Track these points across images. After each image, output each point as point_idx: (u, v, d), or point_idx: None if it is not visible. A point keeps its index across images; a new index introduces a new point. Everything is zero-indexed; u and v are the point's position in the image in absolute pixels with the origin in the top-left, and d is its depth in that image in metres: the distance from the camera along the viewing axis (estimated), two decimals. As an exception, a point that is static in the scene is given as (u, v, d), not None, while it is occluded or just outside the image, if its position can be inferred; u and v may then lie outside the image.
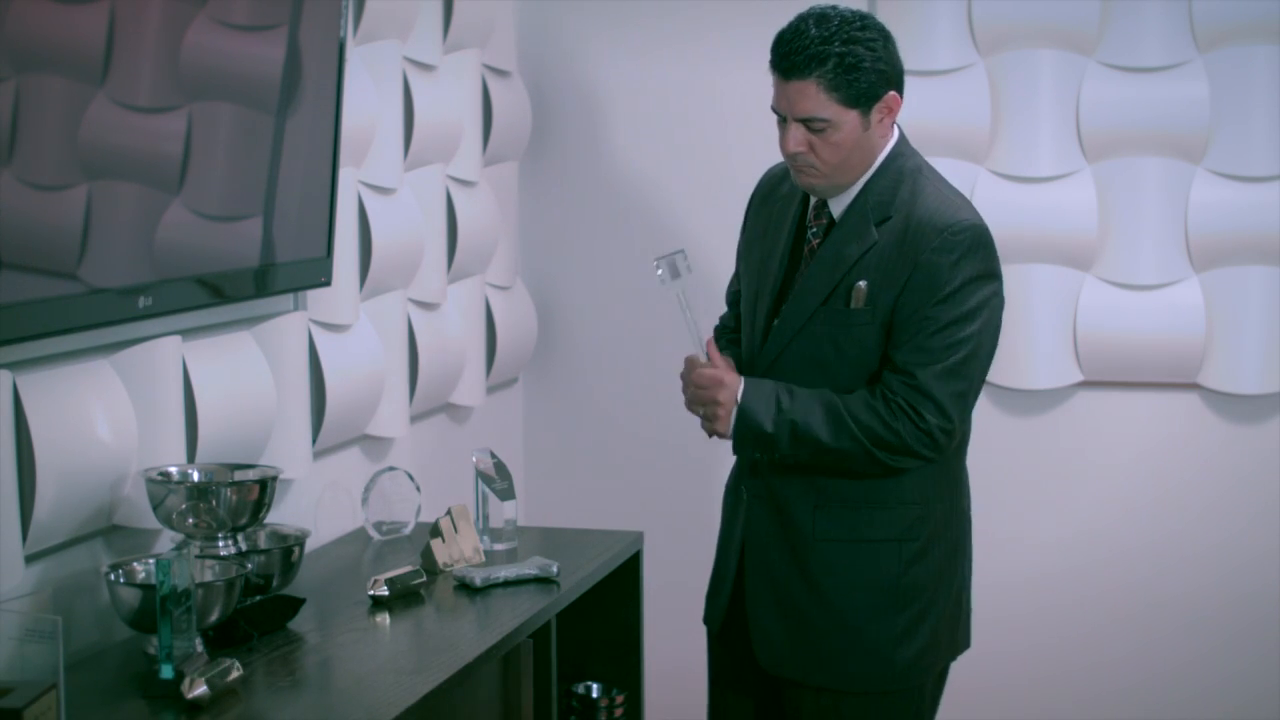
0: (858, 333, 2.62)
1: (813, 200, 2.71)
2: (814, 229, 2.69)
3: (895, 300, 2.59)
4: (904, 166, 2.65)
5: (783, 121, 2.59)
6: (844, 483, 2.66)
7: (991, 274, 2.64)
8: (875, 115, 2.58)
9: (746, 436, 2.65)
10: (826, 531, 2.67)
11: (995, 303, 2.65)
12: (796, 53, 2.52)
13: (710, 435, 2.72)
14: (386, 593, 2.75)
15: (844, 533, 2.67)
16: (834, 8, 2.58)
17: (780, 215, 2.76)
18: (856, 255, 2.61)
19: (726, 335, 2.93)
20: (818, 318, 2.63)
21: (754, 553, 2.74)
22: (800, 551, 2.69)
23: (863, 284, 2.60)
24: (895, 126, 2.68)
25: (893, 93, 2.58)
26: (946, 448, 2.63)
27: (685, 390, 2.72)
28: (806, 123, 2.55)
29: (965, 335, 2.60)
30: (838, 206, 2.66)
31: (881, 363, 2.63)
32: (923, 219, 2.60)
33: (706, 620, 2.90)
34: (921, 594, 2.71)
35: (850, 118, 2.55)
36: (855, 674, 2.70)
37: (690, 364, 2.71)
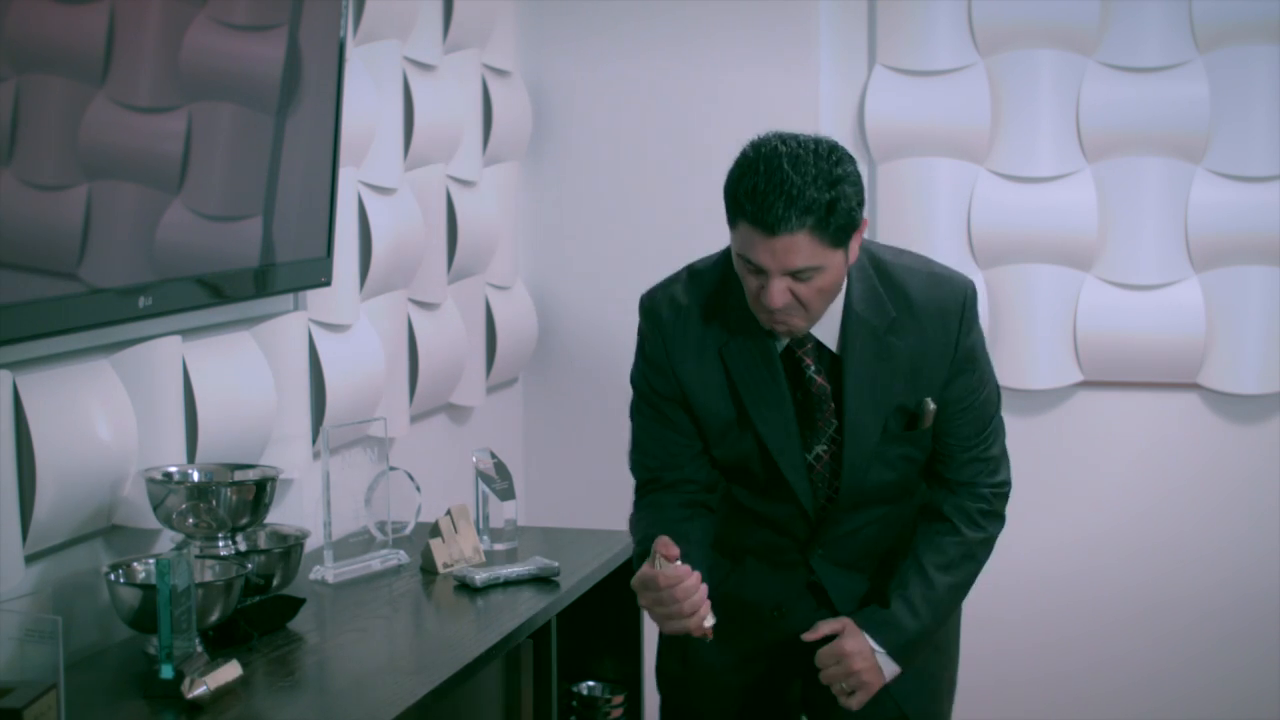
0: (925, 439, 2.56)
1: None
2: (811, 367, 2.48)
3: (941, 394, 2.52)
4: (861, 262, 2.47)
5: (758, 273, 2.33)
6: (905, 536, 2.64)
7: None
8: (852, 245, 2.37)
9: (913, 653, 2.56)
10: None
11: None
12: (785, 205, 2.26)
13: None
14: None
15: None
16: (794, 140, 2.33)
17: (745, 352, 2.49)
18: (892, 377, 2.48)
19: (685, 496, 2.58)
20: (880, 448, 2.52)
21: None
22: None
23: (932, 405, 2.50)
24: None
25: (864, 217, 2.39)
26: None
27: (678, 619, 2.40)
28: (793, 274, 2.32)
29: (995, 392, 2.60)
30: (826, 332, 2.47)
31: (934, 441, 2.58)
32: (933, 308, 2.49)
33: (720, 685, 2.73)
34: None
35: (837, 258, 2.34)
36: (950, 691, 2.79)
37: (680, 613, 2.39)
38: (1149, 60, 3.85)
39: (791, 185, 2.27)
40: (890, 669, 2.53)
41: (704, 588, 2.40)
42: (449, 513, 3.02)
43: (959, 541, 2.57)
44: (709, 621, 2.41)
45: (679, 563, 2.37)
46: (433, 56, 3.56)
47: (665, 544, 2.37)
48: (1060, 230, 3.92)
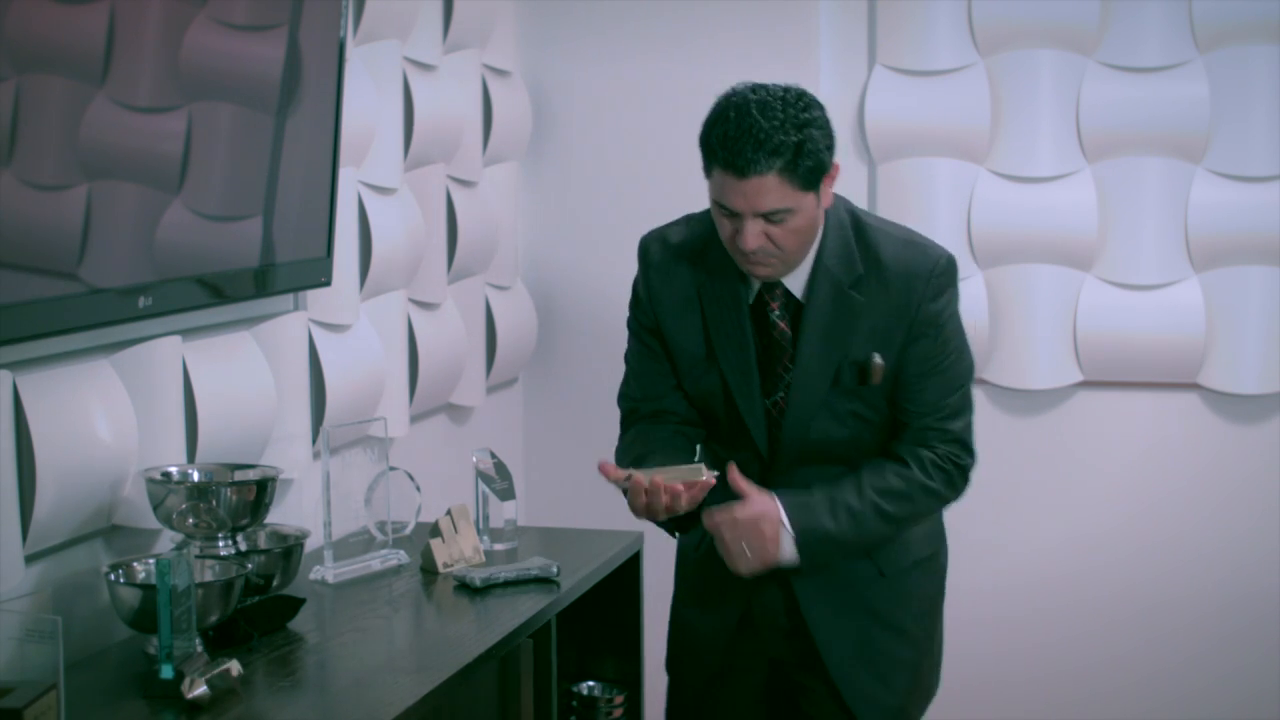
0: (877, 398, 2.58)
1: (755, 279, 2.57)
2: (776, 311, 2.57)
3: (899, 355, 2.55)
4: (842, 218, 2.56)
5: (732, 216, 2.44)
6: None
7: (958, 292, 2.62)
8: (824, 189, 2.47)
9: (818, 551, 2.54)
10: (891, 566, 2.66)
11: (959, 311, 2.64)
12: (754, 148, 2.37)
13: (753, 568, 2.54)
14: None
15: (905, 559, 2.67)
16: (764, 89, 2.44)
17: (715, 300, 2.60)
18: (850, 330, 2.54)
19: (669, 427, 2.70)
20: (830, 399, 2.56)
21: (817, 615, 2.65)
22: (864, 594, 2.66)
23: (879, 360, 2.54)
24: None
25: (836, 162, 2.48)
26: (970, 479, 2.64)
27: (643, 511, 2.52)
28: (766, 216, 2.42)
29: (963, 367, 2.61)
30: (795, 281, 2.55)
31: (892, 407, 2.59)
32: (900, 269, 2.54)
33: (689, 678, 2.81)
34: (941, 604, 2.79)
35: (808, 200, 2.44)
36: (924, 687, 2.75)
37: (662, 492, 2.48)
38: (1149, 60, 3.85)
39: (760, 130, 2.37)
40: (789, 551, 2.52)
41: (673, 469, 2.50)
42: (449, 513, 3.02)
43: (903, 473, 2.56)
44: (703, 474, 2.48)
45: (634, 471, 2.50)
46: (433, 56, 3.56)
47: (604, 469, 2.53)
48: (1060, 230, 3.92)
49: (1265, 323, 3.84)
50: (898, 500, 2.56)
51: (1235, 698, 3.95)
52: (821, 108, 2.46)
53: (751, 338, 2.58)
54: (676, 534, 2.72)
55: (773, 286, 2.56)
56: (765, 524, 2.51)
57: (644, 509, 2.52)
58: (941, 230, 3.96)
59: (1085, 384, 4.00)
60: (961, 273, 3.92)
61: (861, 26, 4.02)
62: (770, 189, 2.39)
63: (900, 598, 2.68)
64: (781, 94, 2.43)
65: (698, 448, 2.68)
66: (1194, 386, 3.93)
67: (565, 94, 4.15)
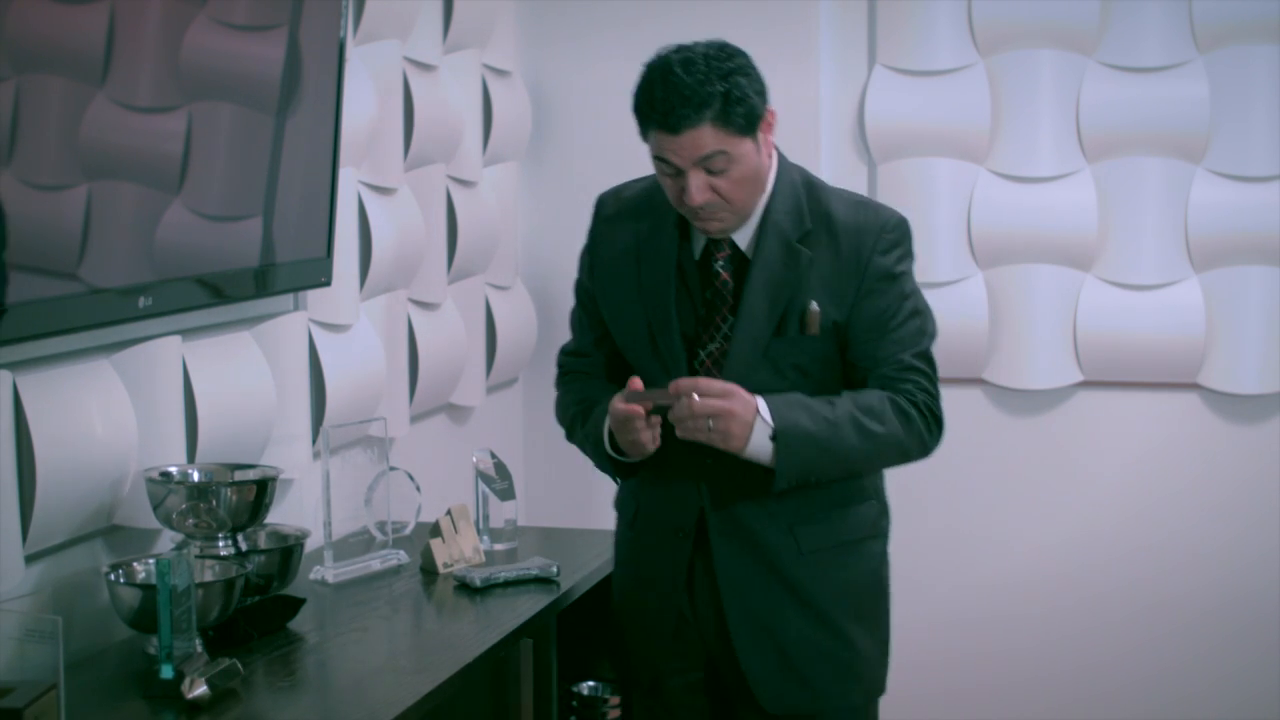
0: (819, 350, 2.59)
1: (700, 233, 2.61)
2: (720, 261, 2.60)
3: (851, 309, 2.56)
4: (795, 180, 2.61)
5: (676, 174, 2.49)
6: (813, 491, 2.60)
7: (913, 256, 2.66)
8: (760, 136, 2.52)
9: (795, 448, 2.51)
10: (812, 543, 2.63)
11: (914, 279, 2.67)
12: (681, 104, 2.43)
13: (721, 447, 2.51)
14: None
15: (828, 539, 2.64)
16: (686, 48, 2.52)
17: (650, 250, 2.64)
18: (797, 282, 2.56)
19: (600, 381, 2.76)
20: (772, 349, 2.58)
21: (733, 595, 2.64)
22: (785, 573, 2.63)
23: (815, 306, 2.56)
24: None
25: (770, 108, 2.53)
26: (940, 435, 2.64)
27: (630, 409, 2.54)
28: (706, 166, 2.47)
29: (917, 328, 2.61)
30: (742, 236, 2.60)
31: (845, 365, 2.61)
32: (851, 224, 2.58)
33: (636, 675, 2.83)
34: (887, 591, 2.75)
35: (746, 146, 2.49)
36: (854, 687, 2.69)
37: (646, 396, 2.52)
38: (1149, 60, 3.85)
39: (685, 86, 2.44)
40: (759, 446, 2.50)
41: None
42: (449, 513, 3.02)
43: (879, 395, 2.56)
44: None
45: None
46: (433, 56, 3.56)
47: (622, 408, 2.53)
48: (1060, 230, 3.92)
49: (1265, 323, 3.84)
50: (874, 417, 2.53)
51: (1235, 698, 3.95)
52: (745, 55, 2.52)
53: (671, 281, 2.61)
54: (618, 479, 2.77)
55: (720, 243, 2.60)
56: (739, 405, 2.48)
57: (635, 439, 2.54)
58: (941, 230, 3.97)
59: (1085, 384, 4.00)
60: (961, 272, 3.98)
61: (861, 26, 4.02)
62: (705, 138, 2.45)
63: (824, 581, 2.63)
64: (703, 49, 2.50)
65: None
66: (1194, 386, 3.93)
67: (565, 94, 4.15)
